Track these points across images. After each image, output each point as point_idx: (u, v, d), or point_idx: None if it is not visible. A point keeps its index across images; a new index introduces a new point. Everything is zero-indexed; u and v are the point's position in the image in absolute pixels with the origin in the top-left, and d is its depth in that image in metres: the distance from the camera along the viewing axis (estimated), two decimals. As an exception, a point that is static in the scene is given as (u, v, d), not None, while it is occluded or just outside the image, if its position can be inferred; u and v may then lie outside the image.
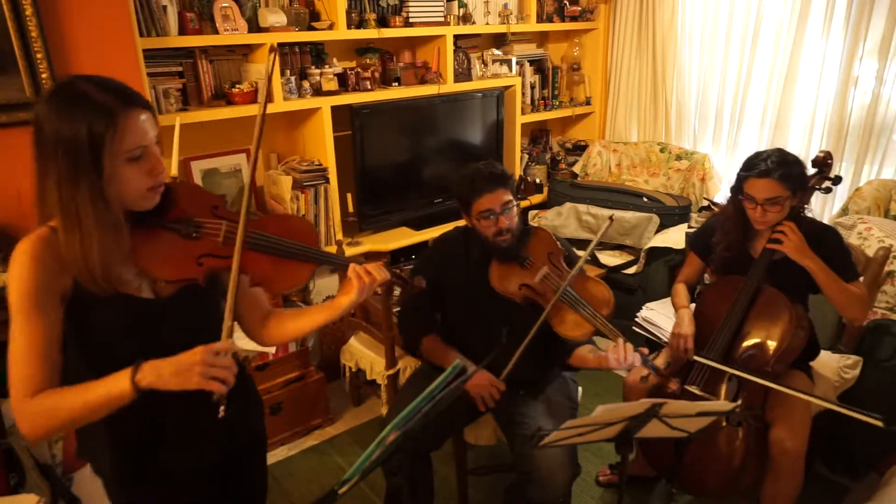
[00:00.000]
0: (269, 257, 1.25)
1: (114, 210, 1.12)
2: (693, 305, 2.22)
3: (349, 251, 3.18)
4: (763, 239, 2.02)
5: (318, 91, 3.07)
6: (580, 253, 1.94)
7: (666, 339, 2.45)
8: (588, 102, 4.37)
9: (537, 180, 4.20)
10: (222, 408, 1.11)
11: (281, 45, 2.92)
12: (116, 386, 1.07)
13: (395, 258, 3.46)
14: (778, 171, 1.87)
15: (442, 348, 2.05)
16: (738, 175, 1.99)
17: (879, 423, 1.56)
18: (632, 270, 3.52)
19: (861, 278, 2.02)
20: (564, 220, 3.79)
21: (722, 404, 1.69)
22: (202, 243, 1.22)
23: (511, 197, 1.92)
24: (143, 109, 1.12)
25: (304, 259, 1.26)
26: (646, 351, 1.79)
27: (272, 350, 2.72)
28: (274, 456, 2.74)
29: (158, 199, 1.18)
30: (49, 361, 1.10)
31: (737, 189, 2.00)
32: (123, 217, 1.16)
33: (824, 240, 1.95)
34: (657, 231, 3.50)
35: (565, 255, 1.99)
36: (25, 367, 1.09)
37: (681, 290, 2.29)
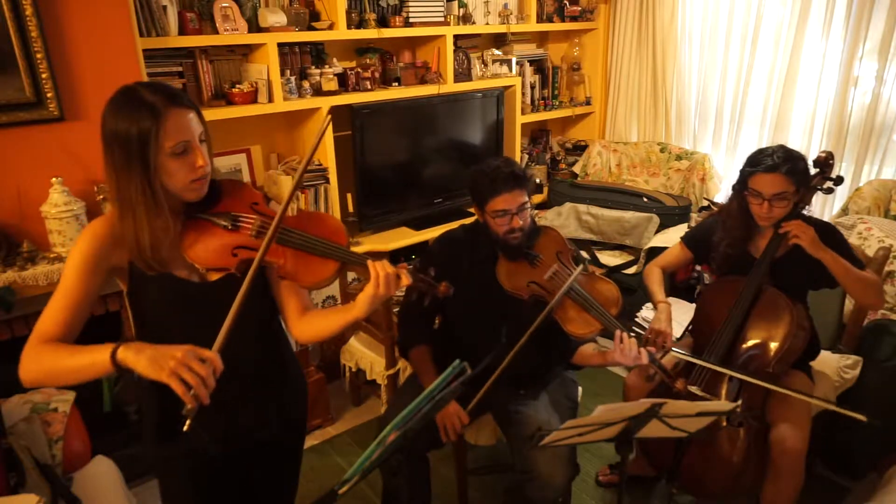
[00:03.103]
0: (296, 252, 1.31)
1: (160, 199, 1.22)
2: (693, 306, 2.22)
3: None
4: (764, 238, 2.02)
5: (318, 91, 3.07)
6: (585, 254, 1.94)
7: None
8: (588, 102, 4.37)
9: (537, 180, 4.20)
10: (188, 421, 1.09)
11: (281, 45, 2.92)
12: (98, 355, 1.14)
13: (394, 258, 3.46)
14: (785, 166, 1.88)
15: (426, 364, 2.04)
16: (743, 171, 1.98)
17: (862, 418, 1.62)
18: (632, 270, 3.52)
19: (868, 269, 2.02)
20: (564, 220, 3.79)
21: (722, 404, 1.69)
22: (238, 236, 1.30)
23: (527, 198, 1.93)
24: (188, 109, 1.22)
25: (328, 256, 1.31)
26: (653, 349, 1.79)
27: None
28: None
29: (205, 191, 1.28)
30: (67, 320, 1.22)
31: (741, 186, 1.99)
32: (179, 207, 1.29)
33: (826, 236, 1.95)
34: (657, 231, 3.50)
35: (573, 255, 2.01)
36: (45, 318, 1.22)
37: (657, 275, 2.25)
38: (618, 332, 1.79)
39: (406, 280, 1.30)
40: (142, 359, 1.11)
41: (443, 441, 1.93)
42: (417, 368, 2.06)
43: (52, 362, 1.18)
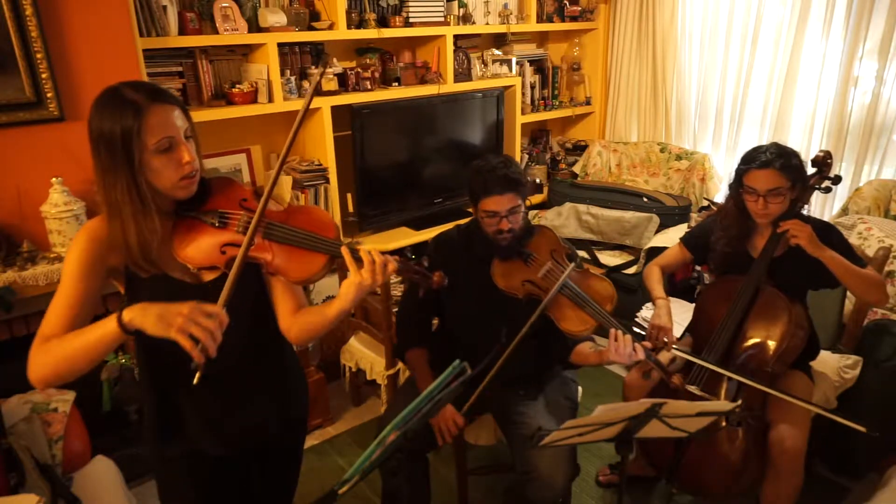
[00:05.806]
0: (283, 246, 1.30)
1: (147, 199, 1.20)
2: (693, 305, 2.22)
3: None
4: (763, 237, 2.02)
5: (317, 91, 3.07)
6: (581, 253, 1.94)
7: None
8: (588, 102, 4.37)
9: (537, 180, 4.20)
10: (197, 374, 1.13)
11: (281, 45, 2.92)
12: (106, 326, 1.15)
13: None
14: (778, 162, 1.89)
15: (421, 367, 2.05)
16: (738, 169, 1.99)
17: (863, 429, 1.63)
18: (632, 270, 3.52)
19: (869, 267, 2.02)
20: (564, 220, 3.79)
21: (722, 404, 1.69)
22: (225, 233, 1.29)
23: (520, 202, 1.91)
24: (172, 105, 1.20)
25: (316, 249, 1.30)
26: (649, 345, 1.80)
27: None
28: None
29: (195, 189, 1.27)
30: (70, 322, 1.21)
31: (737, 184, 2.00)
32: (169, 207, 1.28)
33: (826, 236, 1.95)
34: (657, 231, 3.50)
35: (568, 254, 2.00)
36: (48, 322, 1.22)
37: (656, 274, 2.25)
38: (612, 330, 1.79)
39: (393, 266, 1.28)
40: (149, 317, 1.12)
41: (439, 444, 1.93)
42: (413, 371, 2.06)
43: (63, 349, 1.17)
